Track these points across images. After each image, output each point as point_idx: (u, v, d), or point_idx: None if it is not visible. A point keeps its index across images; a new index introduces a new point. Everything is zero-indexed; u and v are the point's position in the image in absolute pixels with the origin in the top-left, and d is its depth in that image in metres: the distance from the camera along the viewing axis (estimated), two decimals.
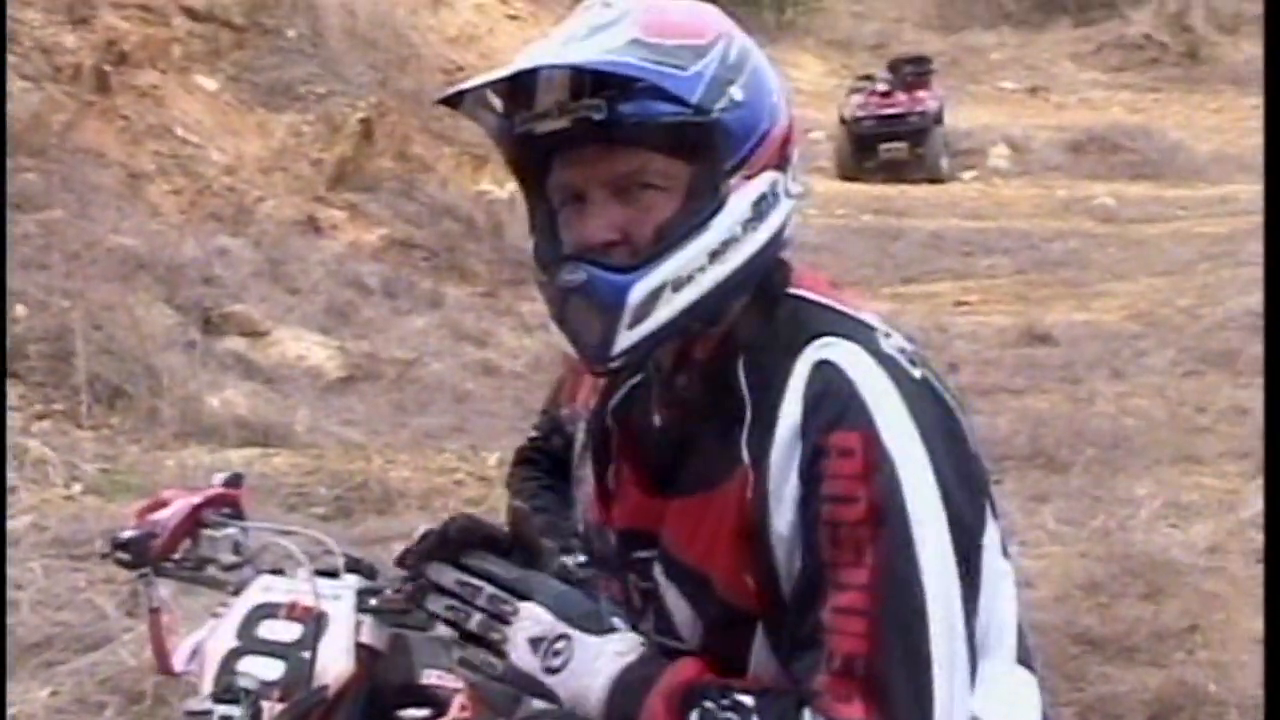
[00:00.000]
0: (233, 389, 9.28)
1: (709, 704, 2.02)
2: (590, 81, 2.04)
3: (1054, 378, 10.17)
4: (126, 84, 12.44)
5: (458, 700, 3.02)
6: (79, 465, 8.01)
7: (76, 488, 7.82)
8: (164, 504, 3.05)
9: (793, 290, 2.12)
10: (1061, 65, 24.38)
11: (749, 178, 2.08)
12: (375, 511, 7.80)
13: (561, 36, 2.09)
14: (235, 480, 3.13)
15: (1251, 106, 19.94)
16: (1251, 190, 15.90)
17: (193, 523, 3.03)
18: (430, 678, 3.00)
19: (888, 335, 2.09)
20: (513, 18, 17.69)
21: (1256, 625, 6.46)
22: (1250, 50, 22.40)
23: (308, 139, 13.46)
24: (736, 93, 2.07)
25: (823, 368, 2.03)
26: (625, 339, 2.06)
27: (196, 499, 3.05)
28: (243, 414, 8.99)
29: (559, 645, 2.06)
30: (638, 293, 2.05)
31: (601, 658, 2.06)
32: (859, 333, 2.06)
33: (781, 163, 2.11)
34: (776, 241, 2.10)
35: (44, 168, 10.94)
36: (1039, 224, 15.50)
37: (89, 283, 9.50)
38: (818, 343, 2.04)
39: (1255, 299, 11.21)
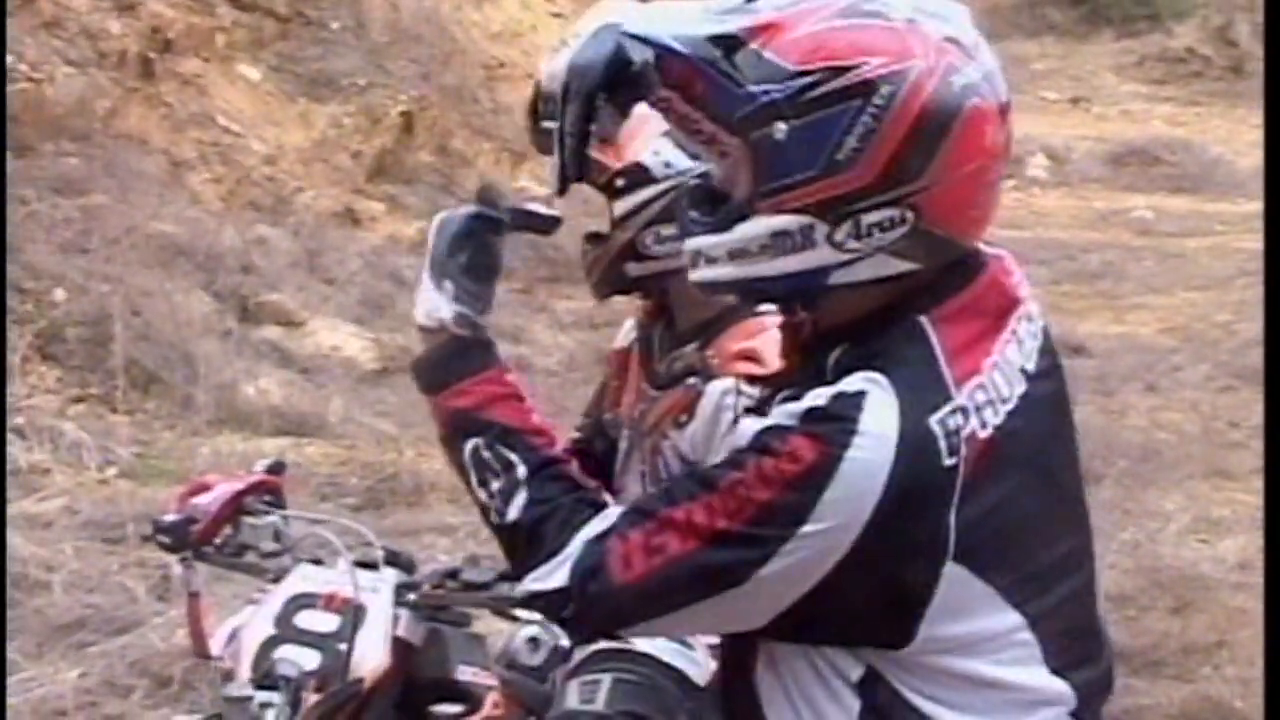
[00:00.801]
0: (267, 378, 9.32)
1: (484, 450, 2.23)
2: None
3: (1087, 389, 10.13)
4: (170, 71, 12.46)
5: (491, 697, 3.03)
6: (113, 449, 8.05)
7: (110, 471, 7.86)
8: (206, 488, 3.07)
9: (924, 320, 2.12)
10: (1104, 76, 24.27)
11: (779, 210, 2.10)
12: (406, 504, 7.82)
13: (710, 6, 2.14)
14: (277, 468, 3.15)
15: None
16: None
17: (234, 509, 3.05)
18: (465, 674, 3.02)
19: (958, 410, 2.07)
20: (556, 15, 17.66)
21: None
22: None
23: (348, 131, 13.47)
24: (780, 130, 2.07)
25: (852, 392, 2.04)
26: (694, 276, 2.23)
27: (239, 485, 3.07)
28: (277, 403, 9.02)
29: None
30: (688, 244, 2.21)
31: (439, 310, 2.32)
32: (920, 392, 2.07)
33: (829, 214, 2.09)
34: (812, 279, 2.12)
35: (87, 153, 10.97)
36: (1076, 234, 15.45)
37: (128, 268, 9.54)
38: (876, 375, 2.05)
39: None
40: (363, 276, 11.37)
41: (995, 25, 27.59)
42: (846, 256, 2.11)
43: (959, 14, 2.15)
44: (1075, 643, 2.25)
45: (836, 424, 2.03)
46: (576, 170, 2.21)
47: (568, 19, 17.64)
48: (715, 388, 3.01)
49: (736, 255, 2.15)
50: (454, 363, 2.31)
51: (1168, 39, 25.03)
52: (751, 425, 2.12)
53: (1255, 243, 14.69)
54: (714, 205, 2.20)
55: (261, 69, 13.50)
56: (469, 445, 2.26)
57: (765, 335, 2.95)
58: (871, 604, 2.09)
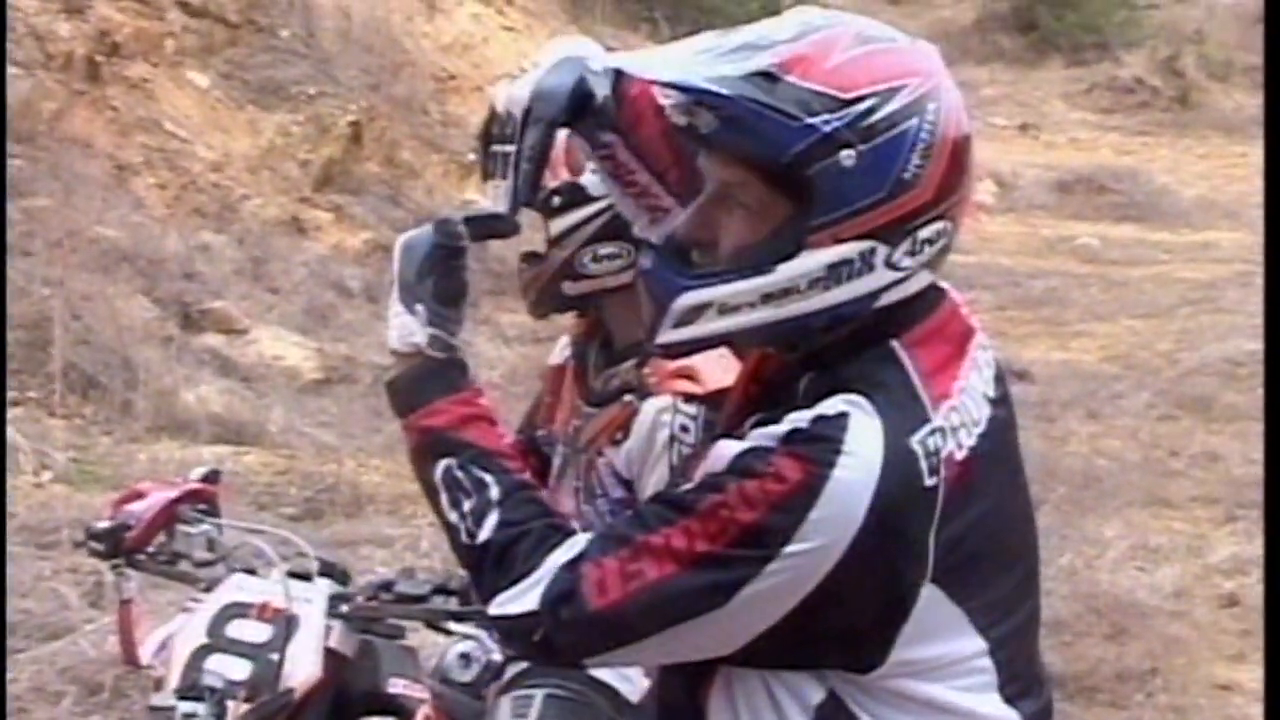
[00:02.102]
0: (208, 385, 9.26)
1: (457, 471, 2.22)
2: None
3: (1029, 415, 10.17)
4: (118, 75, 12.40)
5: (423, 711, 3.03)
6: (49, 454, 7.98)
7: (46, 476, 7.79)
8: (140, 496, 3.05)
9: (896, 345, 2.13)
10: (1052, 104, 24.41)
11: (838, 240, 2.09)
12: (345, 514, 7.79)
13: (709, 45, 2.13)
14: (213, 476, 3.13)
15: (1239, 154, 20.00)
16: (1234, 237, 15.96)
17: (168, 517, 3.04)
18: (397, 687, 3.01)
19: (936, 431, 2.09)
20: (508, 29, 17.67)
21: (1217, 670, 6.50)
22: (1241, 99, 22.47)
23: (296, 139, 13.43)
24: (848, 158, 2.06)
25: (833, 414, 2.05)
26: (666, 335, 2.18)
27: (173, 493, 3.06)
28: (217, 411, 8.97)
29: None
30: (684, 301, 2.15)
31: (414, 334, 2.31)
32: (901, 413, 2.08)
33: (892, 235, 2.10)
34: (860, 304, 2.12)
35: (31, 155, 10.90)
36: (1022, 261, 15.51)
37: (70, 272, 9.48)
38: (856, 397, 2.06)
39: (1232, 346, 11.26)
40: (307, 286, 11.32)
41: (945, 51, 27.53)
42: (900, 275, 2.13)
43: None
44: (1025, 671, 2.28)
45: (821, 444, 2.04)
46: (529, 194, 2.24)
47: (519, 33, 17.67)
48: (651, 405, 3.01)
49: (775, 297, 2.12)
50: (429, 383, 2.31)
51: (1116, 68, 25.19)
52: (727, 449, 2.11)
53: (1198, 272, 14.82)
54: (687, 258, 2.19)
55: (210, 75, 13.45)
56: (441, 465, 2.25)
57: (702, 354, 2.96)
58: (851, 624, 2.10)
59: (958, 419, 2.14)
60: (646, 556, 2.07)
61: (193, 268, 10.71)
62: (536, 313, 3.35)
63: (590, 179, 3.13)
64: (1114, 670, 6.39)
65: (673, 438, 2.98)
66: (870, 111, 2.07)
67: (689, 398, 2.97)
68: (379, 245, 12.43)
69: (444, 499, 2.24)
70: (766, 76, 2.07)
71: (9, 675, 5.77)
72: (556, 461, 3.33)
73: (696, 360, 2.94)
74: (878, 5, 30.68)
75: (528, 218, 2.95)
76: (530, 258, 3.28)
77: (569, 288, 3.23)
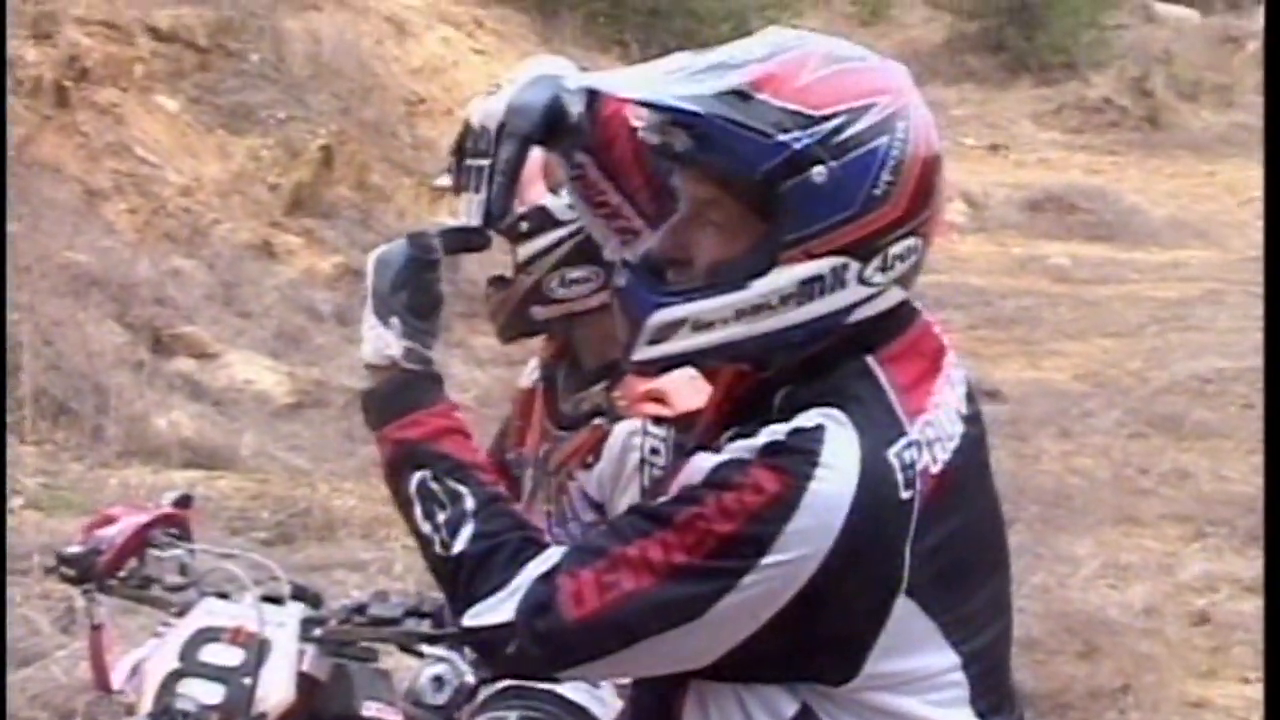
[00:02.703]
0: (179, 410, 9.24)
1: (431, 482, 2.22)
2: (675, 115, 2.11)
3: (1001, 434, 10.19)
4: (87, 100, 12.38)
5: None
6: (20, 479, 7.96)
7: (16, 502, 7.77)
8: (111, 521, 3.05)
9: (871, 360, 2.16)
10: (1022, 124, 24.47)
11: (811, 255, 2.11)
12: (317, 539, 7.78)
13: (682, 65, 2.17)
14: (184, 501, 3.13)
15: (1207, 173, 20.10)
16: (1203, 256, 16.03)
17: (140, 541, 3.03)
18: (370, 710, 3.01)
19: (912, 445, 2.12)
20: (478, 52, 17.68)
21: (1188, 687, 6.52)
22: (1210, 118, 22.58)
23: (266, 163, 13.42)
24: (819, 175, 2.09)
25: (810, 426, 2.07)
26: (641, 352, 2.19)
27: (144, 518, 3.05)
28: (188, 435, 8.95)
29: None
30: (658, 318, 2.17)
31: (389, 347, 2.31)
32: (876, 426, 2.10)
33: (863, 251, 2.12)
34: (834, 319, 2.14)
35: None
36: (994, 281, 15.55)
37: (39, 297, 9.46)
38: (832, 410, 2.08)
39: (1203, 364, 11.31)
40: (278, 310, 11.31)
41: (915, 71, 27.63)
42: (872, 291, 2.16)
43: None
44: (998, 686, 2.29)
45: (798, 456, 2.06)
46: (501, 207, 2.27)
47: (489, 56, 17.68)
48: (622, 428, 3.02)
49: (749, 313, 2.14)
50: (404, 396, 2.31)
51: (1085, 88, 25.28)
52: (704, 462, 2.13)
53: (1167, 291, 14.88)
54: (662, 275, 2.21)
55: (180, 100, 13.44)
56: (416, 477, 2.25)
57: (671, 376, 2.96)
58: (825, 636, 2.11)
59: (933, 433, 2.16)
60: (623, 568, 2.09)
61: (164, 292, 10.69)
62: (505, 337, 3.35)
63: (557, 203, 3.14)
64: (1086, 688, 6.41)
65: (643, 460, 2.98)
66: (841, 129, 2.10)
67: (659, 420, 2.98)
68: (350, 269, 12.42)
69: (418, 510, 2.24)
70: (738, 95, 2.10)
71: None
72: (527, 485, 3.33)
73: (666, 383, 2.95)
74: (848, 26, 30.77)
75: (497, 242, 2.97)
76: (498, 282, 3.28)
77: (538, 312, 3.23)
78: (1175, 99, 24.18)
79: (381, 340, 2.33)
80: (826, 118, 2.10)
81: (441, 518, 2.21)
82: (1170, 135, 23.11)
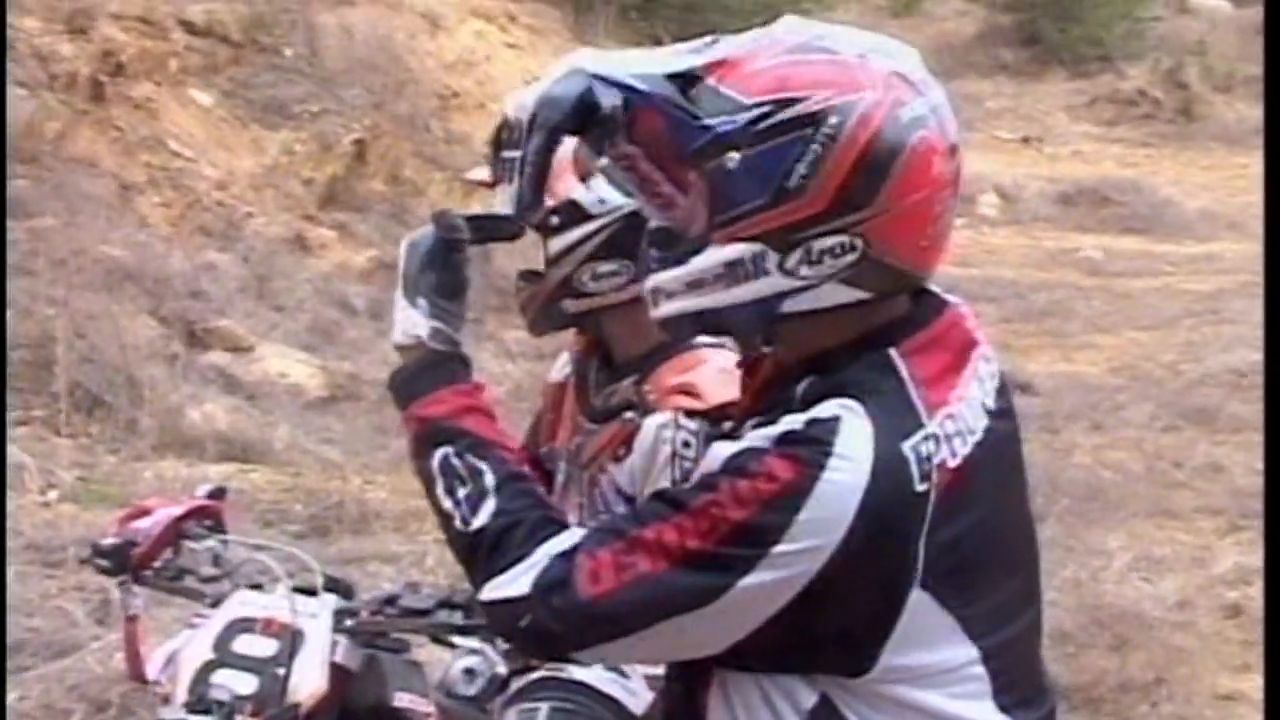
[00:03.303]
0: (213, 403, 9.27)
1: (454, 459, 2.26)
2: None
3: (1033, 427, 10.18)
4: (121, 95, 12.42)
5: None
6: (56, 473, 8.00)
7: (52, 495, 7.80)
8: (146, 513, 3.07)
9: (893, 352, 2.18)
10: (1055, 116, 24.40)
11: (734, 239, 2.17)
12: (351, 531, 7.80)
13: (677, 49, 2.26)
14: (218, 493, 3.15)
15: (1241, 165, 20.00)
16: (1237, 249, 15.96)
17: (174, 533, 3.05)
18: (402, 701, 3.02)
19: (929, 438, 2.13)
20: (511, 46, 17.69)
21: (1221, 681, 6.50)
22: (1244, 110, 22.48)
23: (300, 158, 13.45)
24: (730, 161, 2.14)
25: (826, 417, 2.08)
26: (654, 314, 2.29)
27: (179, 510, 3.07)
28: (222, 429, 8.98)
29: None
30: (648, 284, 2.28)
31: (416, 327, 2.36)
32: (893, 418, 2.12)
33: (780, 242, 2.15)
34: (765, 306, 2.18)
35: (36, 175, 10.93)
36: (1026, 273, 15.52)
37: (74, 291, 9.49)
38: (850, 402, 2.10)
39: (1237, 357, 11.26)
40: (312, 304, 11.34)
41: (948, 64, 27.73)
42: (799, 283, 2.17)
43: (909, 55, 2.23)
44: (1023, 681, 2.29)
45: (813, 446, 2.08)
46: (532, 198, 2.29)
47: (522, 50, 17.69)
48: (652, 422, 3.02)
49: (694, 286, 2.22)
50: (429, 374, 2.36)
51: (1119, 80, 25.21)
52: (723, 449, 2.16)
53: (1202, 284, 14.83)
54: (672, 245, 2.28)
55: (214, 94, 13.48)
56: (439, 453, 2.29)
57: (702, 369, 2.97)
58: (838, 628, 2.13)
59: (953, 427, 2.17)
60: (640, 550, 2.11)
61: (197, 286, 10.73)
62: (536, 331, 3.36)
63: (588, 197, 3.14)
64: (1118, 681, 6.39)
65: (674, 454, 2.99)
66: (762, 118, 2.13)
67: (690, 413, 2.98)
68: (383, 263, 12.45)
69: (440, 487, 2.28)
70: (687, 78, 2.17)
71: (17, 694, 5.79)
72: (559, 478, 3.34)
73: (697, 376, 2.96)
74: (881, 18, 30.70)
75: (529, 236, 2.98)
76: (529, 276, 3.29)
77: (569, 305, 3.23)
78: (1209, 91, 24.10)
79: (409, 321, 2.38)
80: (753, 106, 2.14)
81: (462, 493, 2.25)
82: (1204, 127, 23.03)
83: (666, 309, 2.26)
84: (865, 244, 2.15)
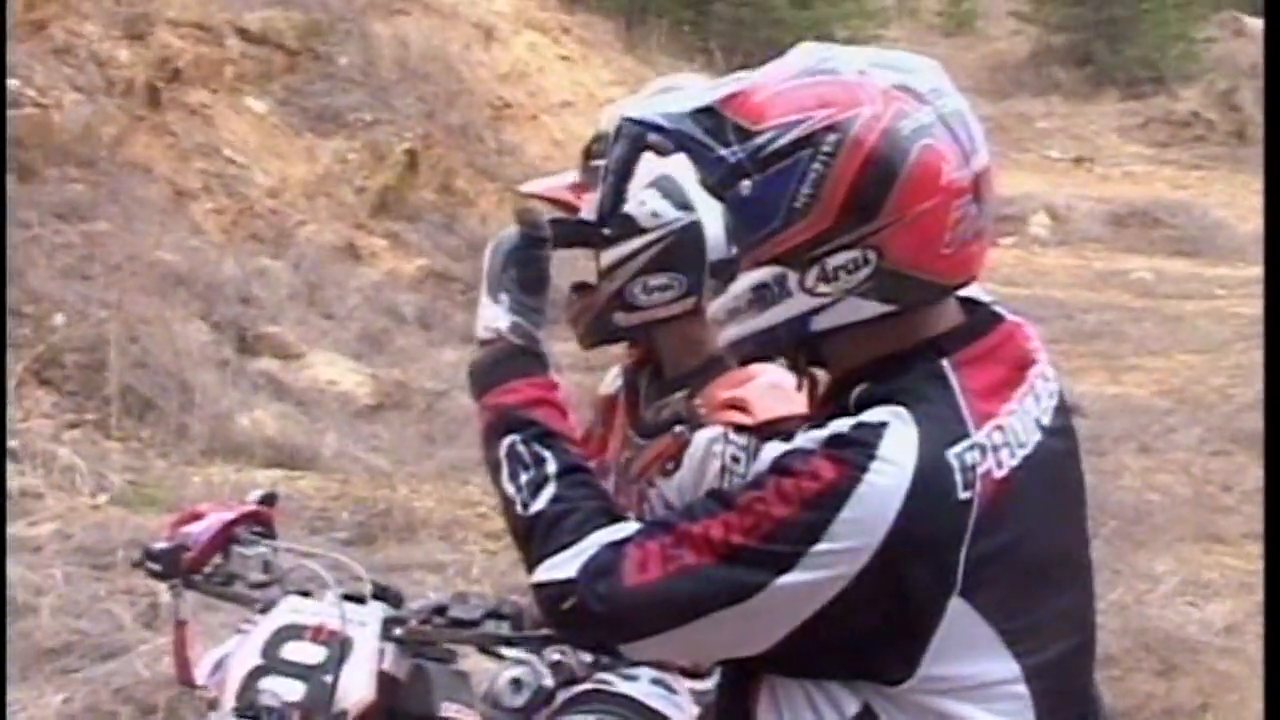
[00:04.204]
0: (263, 409, 9.32)
1: (520, 445, 2.32)
2: None
3: (1081, 449, 10.13)
4: (177, 101, 12.51)
5: None
6: (106, 475, 8.05)
7: (103, 498, 7.86)
8: (198, 517, 3.08)
9: (945, 363, 2.21)
10: (1107, 137, 24.34)
11: (758, 264, 2.23)
12: (397, 539, 7.82)
13: (714, 84, 2.32)
14: (269, 499, 3.16)
15: None
16: None
17: (225, 538, 3.06)
18: (449, 711, 3.02)
19: (975, 447, 2.15)
20: (564, 58, 17.74)
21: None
22: None
23: (353, 166, 13.51)
24: (746, 187, 2.20)
25: (873, 422, 2.10)
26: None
27: (230, 515, 3.08)
28: (271, 435, 9.03)
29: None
30: (709, 313, 2.35)
31: (497, 320, 2.43)
32: (939, 426, 2.14)
33: (797, 262, 2.20)
34: (795, 325, 2.24)
35: (92, 179, 11.00)
36: (1075, 294, 15.47)
37: (128, 295, 9.56)
38: (898, 408, 2.13)
39: None
40: (362, 312, 11.39)
41: (1000, 83, 27.72)
42: (820, 301, 2.21)
43: (921, 66, 2.25)
44: (1067, 704, 2.29)
45: (858, 448, 2.10)
46: (611, 205, 2.37)
47: (575, 62, 17.74)
48: (703, 436, 3.02)
49: (734, 313, 2.28)
50: (506, 365, 2.42)
51: (1172, 102, 25.12)
52: (773, 450, 2.19)
53: (1253, 308, 14.72)
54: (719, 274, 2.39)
55: (268, 102, 13.56)
56: (506, 441, 2.34)
57: (753, 384, 2.97)
58: (878, 632, 2.14)
59: (1001, 438, 2.18)
60: (686, 544, 2.14)
61: (249, 292, 10.79)
62: (586, 343, 3.36)
63: (640, 210, 3.14)
64: (1164, 706, 6.36)
65: (724, 468, 2.99)
66: (768, 143, 2.18)
67: (740, 428, 2.98)
68: (433, 272, 12.50)
69: (504, 472, 2.33)
70: (708, 111, 2.22)
71: (63, 696, 5.82)
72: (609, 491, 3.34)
73: (747, 391, 2.97)
74: (933, 37, 30.67)
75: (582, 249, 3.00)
76: (580, 288, 3.29)
77: (620, 319, 3.23)
78: (1263, 114, 23.98)
79: (490, 315, 2.45)
80: (759, 132, 2.18)
81: (524, 478, 2.30)
82: (1258, 150, 22.88)
83: (724, 336, 2.33)
84: (879, 256, 2.17)
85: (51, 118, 11.06)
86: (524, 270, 2.45)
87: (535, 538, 2.26)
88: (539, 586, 2.24)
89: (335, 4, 14.98)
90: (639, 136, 2.29)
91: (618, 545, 2.18)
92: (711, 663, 2.36)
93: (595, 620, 2.20)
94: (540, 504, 2.27)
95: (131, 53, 12.38)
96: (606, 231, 2.96)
